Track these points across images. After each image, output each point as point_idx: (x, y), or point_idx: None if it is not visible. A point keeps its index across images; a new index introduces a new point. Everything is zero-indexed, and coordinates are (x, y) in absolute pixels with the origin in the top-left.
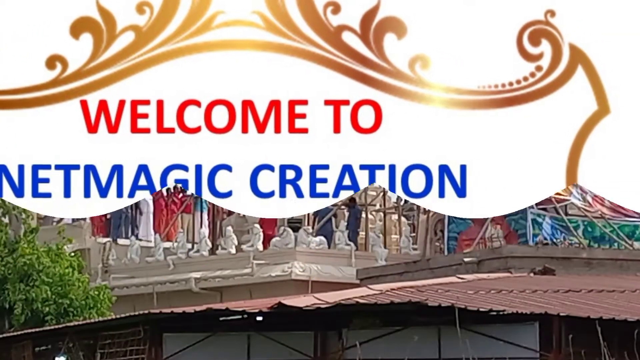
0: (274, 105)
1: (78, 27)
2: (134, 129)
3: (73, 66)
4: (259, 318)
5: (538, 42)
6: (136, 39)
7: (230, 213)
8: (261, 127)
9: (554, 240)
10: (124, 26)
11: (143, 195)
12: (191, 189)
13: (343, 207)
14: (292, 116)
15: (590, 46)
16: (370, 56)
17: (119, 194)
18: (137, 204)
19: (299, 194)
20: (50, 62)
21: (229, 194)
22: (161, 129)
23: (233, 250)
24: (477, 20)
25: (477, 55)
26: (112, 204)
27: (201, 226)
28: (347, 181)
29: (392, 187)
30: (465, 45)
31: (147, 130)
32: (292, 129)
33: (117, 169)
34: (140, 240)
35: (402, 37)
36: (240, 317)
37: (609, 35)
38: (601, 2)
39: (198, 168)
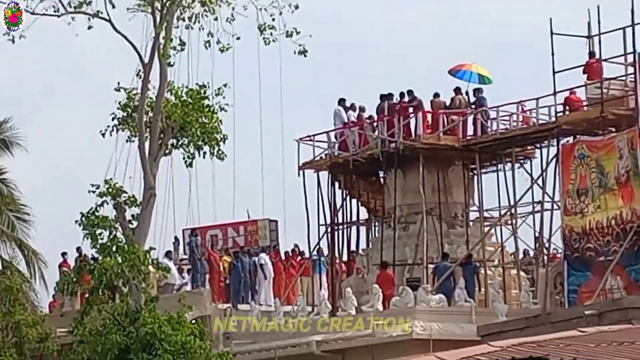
0: None
1: None
2: None
3: None
4: None
5: None
6: None
7: (348, 274)
8: None
9: None
10: None
11: None
12: None
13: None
14: None
15: None
16: None
17: None
18: (256, 269)
19: None
20: None
21: None
22: None
23: (353, 311)
24: None
25: None
26: None
27: (320, 288)
28: None
29: None
30: None
31: None
32: None
33: None
34: (261, 305)
35: None
36: None
37: None
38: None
39: None
